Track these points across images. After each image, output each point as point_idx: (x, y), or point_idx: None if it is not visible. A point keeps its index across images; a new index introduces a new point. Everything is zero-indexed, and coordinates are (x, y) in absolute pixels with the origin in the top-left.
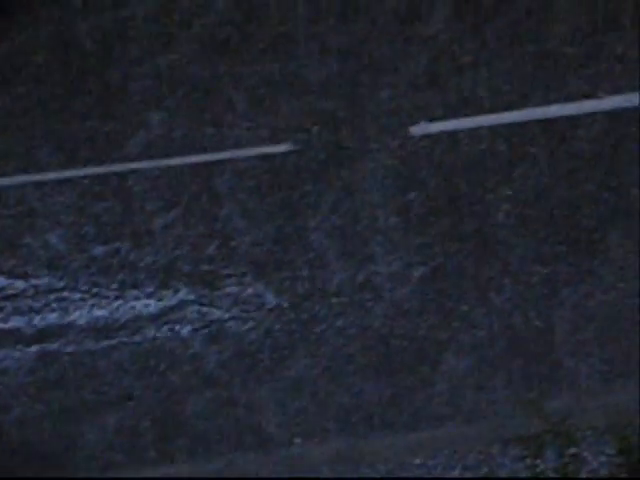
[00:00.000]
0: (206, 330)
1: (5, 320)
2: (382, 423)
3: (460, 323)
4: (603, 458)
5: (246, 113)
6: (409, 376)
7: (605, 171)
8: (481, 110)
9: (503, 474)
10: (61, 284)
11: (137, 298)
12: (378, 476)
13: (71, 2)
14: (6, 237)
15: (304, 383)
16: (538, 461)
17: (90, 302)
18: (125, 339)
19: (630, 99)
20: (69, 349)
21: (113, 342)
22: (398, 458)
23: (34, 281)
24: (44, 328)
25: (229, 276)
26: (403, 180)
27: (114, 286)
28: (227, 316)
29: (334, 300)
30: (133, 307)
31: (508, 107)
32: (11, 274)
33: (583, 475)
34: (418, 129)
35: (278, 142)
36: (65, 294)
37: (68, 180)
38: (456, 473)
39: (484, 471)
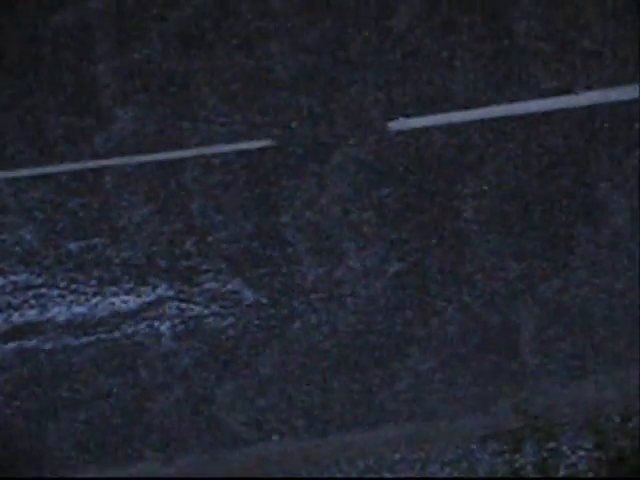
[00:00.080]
0: (183, 326)
1: None
2: (360, 418)
3: (437, 319)
4: (582, 452)
5: (222, 109)
6: (386, 372)
7: (580, 167)
8: (458, 106)
9: (482, 469)
10: (39, 281)
11: (115, 294)
12: (356, 474)
13: None
14: None
15: (278, 380)
16: (517, 456)
17: (69, 299)
18: (104, 335)
19: (605, 95)
20: (47, 346)
21: (92, 339)
22: (378, 453)
23: (12, 277)
24: (22, 325)
25: (207, 272)
26: (381, 176)
27: (92, 282)
28: (206, 312)
29: (312, 296)
30: (112, 303)
31: (484, 103)
32: None
33: (562, 469)
34: (396, 125)
35: (255, 138)
36: (43, 291)
37: (42, 176)
38: (436, 468)
39: (463, 466)
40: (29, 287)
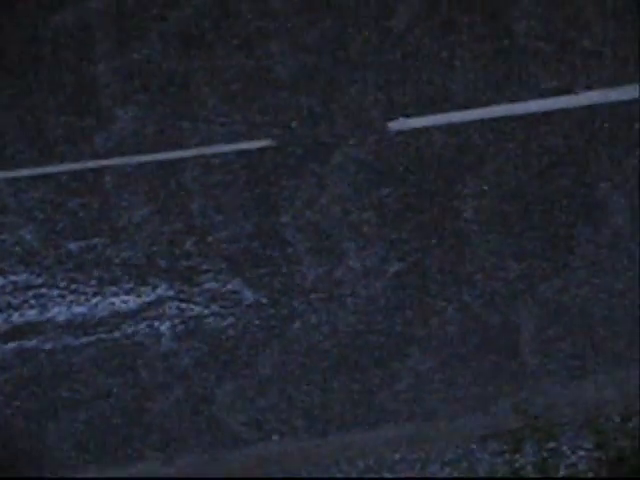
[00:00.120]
0: (183, 326)
1: None
2: (360, 418)
3: (437, 319)
4: (582, 452)
5: (222, 109)
6: (386, 372)
7: (580, 167)
8: (458, 106)
9: (482, 469)
10: (39, 281)
11: (115, 294)
12: (356, 474)
13: None
14: None
15: (278, 380)
16: (517, 456)
17: (69, 299)
18: (104, 335)
19: (605, 95)
20: (47, 346)
21: (92, 339)
22: (378, 453)
23: (12, 277)
24: (22, 325)
25: (207, 272)
26: (381, 176)
27: (92, 282)
28: (206, 312)
29: (312, 296)
30: (112, 303)
31: (484, 103)
32: None
33: (562, 469)
34: (396, 125)
35: (255, 138)
36: (43, 291)
37: (42, 176)
38: (436, 468)
39: (463, 466)
40: (29, 287)
